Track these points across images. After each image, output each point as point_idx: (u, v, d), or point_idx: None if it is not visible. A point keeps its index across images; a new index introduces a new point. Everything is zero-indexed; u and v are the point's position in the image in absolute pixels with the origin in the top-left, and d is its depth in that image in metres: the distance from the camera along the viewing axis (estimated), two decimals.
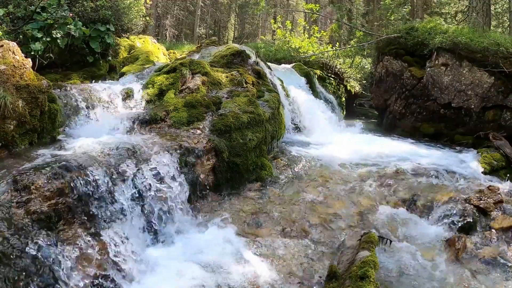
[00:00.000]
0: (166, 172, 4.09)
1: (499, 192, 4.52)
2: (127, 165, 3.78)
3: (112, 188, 3.52)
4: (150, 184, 3.88)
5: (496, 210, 4.30)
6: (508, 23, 17.24)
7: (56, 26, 5.93)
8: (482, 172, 5.54)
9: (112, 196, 3.49)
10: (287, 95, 7.89)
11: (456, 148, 7.17)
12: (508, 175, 5.40)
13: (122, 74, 6.74)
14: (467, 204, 4.40)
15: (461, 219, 4.26)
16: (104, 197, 3.42)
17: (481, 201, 4.36)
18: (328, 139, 7.37)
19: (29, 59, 4.27)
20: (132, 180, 3.74)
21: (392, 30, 10.06)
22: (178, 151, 4.38)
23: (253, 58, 7.45)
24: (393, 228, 4.32)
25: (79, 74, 6.58)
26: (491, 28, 12.77)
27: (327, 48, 12.93)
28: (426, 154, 6.49)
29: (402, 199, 4.86)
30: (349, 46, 13.06)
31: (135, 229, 3.58)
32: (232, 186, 4.91)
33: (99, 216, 3.31)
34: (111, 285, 3.12)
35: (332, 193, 4.97)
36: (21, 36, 5.64)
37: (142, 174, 3.85)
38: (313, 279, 3.57)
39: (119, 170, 3.69)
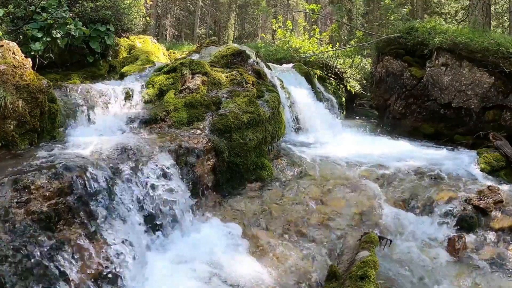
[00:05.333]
0: (166, 172, 4.09)
1: (499, 192, 4.52)
2: (127, 165, 3.78)
3: (112, 188, 3.52)
4: (149, 184, 3.88)
5: (496, 210, 4.31)
6: (508, 23, 17.23)
7: (56, 26, 5.93)
8: (482, 172, 5.54)
9: (112, 196, 3.49)
10: (287, 95, 7.89)
11: (456, 148, 7.17)
12: (508, 175, 5.40)
13: (122, 74, 6.73)
14: (467, 204, 4.41)
15: (461, 219, 4.26)
16: (104, 197, 3.42)
17: (481, 201, 4.36)
18: (328, 139, 7.37)
19: (29, 59, 4.27)
20: (132, 180, 3.74)
21: (392, 30, 10.04)
22: (178, 151, 4.38)
23: (253, 58, 7.45)
24: (393, 228, 4.32)
25: (79, 74, 6.57)
26: (491, 28, 12.76)
27: (327, 48, 12.92)
28: (426, 154, 6.48)
29: (402, 198, 4.86)
30: (349, 46, 13.05)
31: (134, 228, 3.58)
32: (232, 186, 4.91)
33: (99, 216, 3.31)
34: (110, 285, 3.12)
35: (332, 193, 4.97)
36: (21, 36, 5.63)
37: (142, 174, 3.85)
38: (313, 279, 3.57)
39: (119, 170, 3.69)
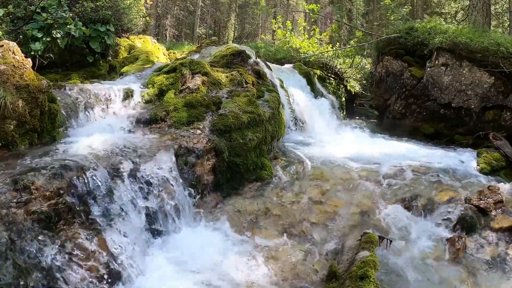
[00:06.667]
0: (166, 172, 4.08)
1: (499, 192, 4.52)
2: (127, 165, 3.78)
3: (112, 188, 3.52)
4: (149, 184, 3.88)
5: (496, 210, 4.30)
6: (508, 23, 17.24)
7: (56, 26, 5.93)
8: (482, 172, 5.54)
9: (112, 196, 3.49)
10: (287, 95, 7.89)
11: (456, 148, 7.16)
12: (508, 175, 5.40)
13: (122, 74, 6.74)
14: (467, 204, 4.40)
15: (461, 219, 4.25)
16: (104, 197, 3.42)
17: (481, 201, 4.36)
18: (328, 139, 7.37)
19: (29, 59, 4.27)
20: (132, 180, 3.74)
21: (392, 30, 10.03)
22: (178, 151, 4.38)
23: (253, 58, 7.45)
24: (393, 228, 4.32)
25: (79, 74, 6.57)
26: (491, 28, 12.77)
27: (327, 48, 12.92)
28: (426, 154, 6.48)
29: (402, 199, 4.85)
30: (349, 46, 13.05)
31: (135, 228, 3.58)
32: (232, 186, 4.91)
33: (99, 216, 3.31)
34: (111, 285, 3.12)
35: (332, 193, 4.97)
36: (21, 36, 5.64)
37: (142, 174, 3.85)
38: (313, 279, 3.57)
39: (119, 170, 3.69)
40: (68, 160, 3.47)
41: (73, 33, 6.09)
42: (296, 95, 8.22)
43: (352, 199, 4.84)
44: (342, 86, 11.88)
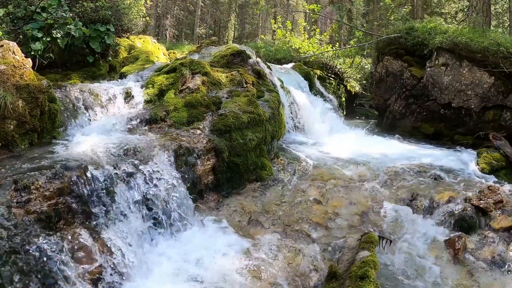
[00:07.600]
0: (166, 172, 4.08)
1: (499, 192, 4.52)
2: (127, 165, 3.78)
3: (111, 188, 3.52)
4: (149, 184, 3.87)
5: (496, 210, 4.30)
6: (508, 23, 17.24)
7: (56, 26, 5.93)
8: (482, 172, 5.55)
9: (112, 196, 3.49)
10: (287, 95, 7.89)
11: (456, 148, 7.17)
12: (508, 175, 5.40)
13: (122, 74, 6.74)
14: (467, 204, 4.40)
15: (461, 219, 4.26)
16: (104, 197, 3.42)
17: (481, 201, 4.36)
18: (328, 139, 7.37)
19: (29, 59, 4.27)
20: (132, 180, 3.74)
21: (392, 30, 10.05)
22: (178, 151, 4.38)
23: (253, 58, 7.45)
24: (393, 228, 4.33)
25: (79, 74, 6.57)
26: (491, 28, 12.78)
27: (327, 48, 12.93)
28: (426, 154, 6.49)
29: (402, 199, 4.86)
30: (349, 46, 13.06)
31: (135, 229, 3.58)
32: (232, 186, 4.91)
33: (99, 216, 3.31)
34: (111, 284, 3.12)
35: (332, 193, 4.97)
36: (21, 36, 5.64)
37: (142, 174, 3.85)
38: (313, 279, 3.57)
39: (119, 170, 3.69)
40: (68, 160, 3.47)
41: (73, 33, 6.09)
42: (296, 95, 8.22)
43: (351, 199, 4.84)
44: (342, 86, 11.88)
